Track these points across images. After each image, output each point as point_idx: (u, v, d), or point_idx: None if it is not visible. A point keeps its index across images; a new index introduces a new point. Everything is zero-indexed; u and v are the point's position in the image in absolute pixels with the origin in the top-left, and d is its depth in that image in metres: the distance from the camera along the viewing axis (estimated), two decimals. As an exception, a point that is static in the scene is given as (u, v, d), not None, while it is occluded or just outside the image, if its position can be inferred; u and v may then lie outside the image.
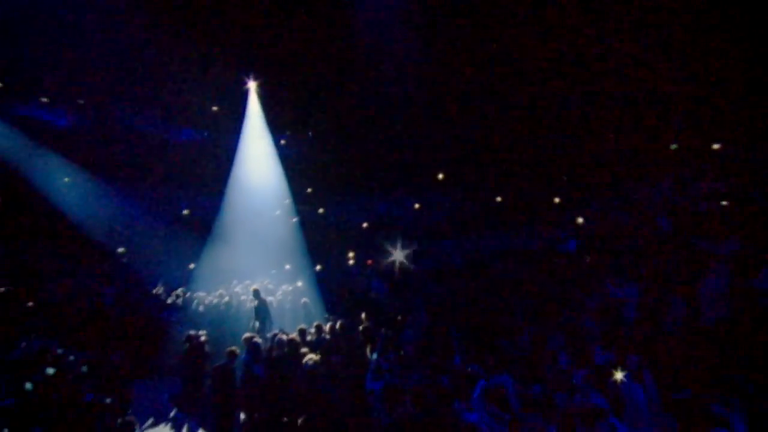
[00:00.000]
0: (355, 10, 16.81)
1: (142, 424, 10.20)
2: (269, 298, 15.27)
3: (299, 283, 16.75)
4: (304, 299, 15.51)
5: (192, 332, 11.14)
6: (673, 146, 15.54)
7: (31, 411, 7.34)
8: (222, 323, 14.47)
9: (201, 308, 15.12)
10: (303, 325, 12.22)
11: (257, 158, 21.04)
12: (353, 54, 17.88)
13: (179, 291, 16.17)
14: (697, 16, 13.69)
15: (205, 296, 15.71)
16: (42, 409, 7.54)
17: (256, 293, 13.79)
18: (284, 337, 11.19)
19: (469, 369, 10.00)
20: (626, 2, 14.44)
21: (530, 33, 15.93)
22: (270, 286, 16.61)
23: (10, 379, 8.07)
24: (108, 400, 7.74)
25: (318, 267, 18.75)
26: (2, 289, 12.23)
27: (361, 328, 11.61)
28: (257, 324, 13.30)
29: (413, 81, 18.35)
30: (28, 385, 7.73)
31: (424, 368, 10.64)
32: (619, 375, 7.83)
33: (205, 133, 22.42)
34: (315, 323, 12.40)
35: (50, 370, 8.68)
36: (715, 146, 14.53)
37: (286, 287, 16.49)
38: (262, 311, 13.46)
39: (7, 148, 16.95)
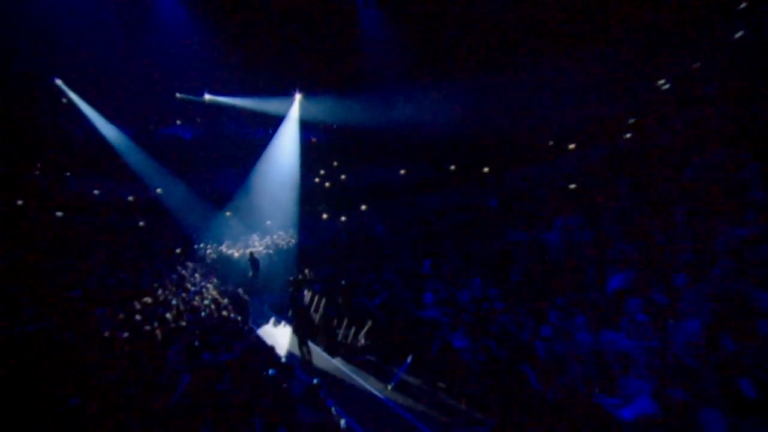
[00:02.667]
0: (363, 50, 17.55)
1: (256, 324, 11.12)
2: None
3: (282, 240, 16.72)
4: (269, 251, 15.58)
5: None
6: (550, 143, 16.04)
7: (204, 328, 8.67)
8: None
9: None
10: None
11: (288, 146, 20.73)
12: (362, 76, 18.50)
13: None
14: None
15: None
16: (209, 324, 9.04)
17: (251, 254, 13.77)
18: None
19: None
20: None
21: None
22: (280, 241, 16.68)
23: (190, 309, 9.42)
24: (239, 318, 9.18)
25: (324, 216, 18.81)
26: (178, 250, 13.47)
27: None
28: (251, 272, 13.51)
29: (400, 92, 18.88)
30: (203, 314, 9.27)
31: (404, 288, 11.10)
32: None
33: (270, 130, 22.98)
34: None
35: (206, 302, 10.00)
36: (571, 146, 15.14)
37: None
38: (254, 265, 13.67)
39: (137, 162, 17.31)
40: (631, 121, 13.67)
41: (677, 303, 6.65)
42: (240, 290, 11.24)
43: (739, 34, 11.53)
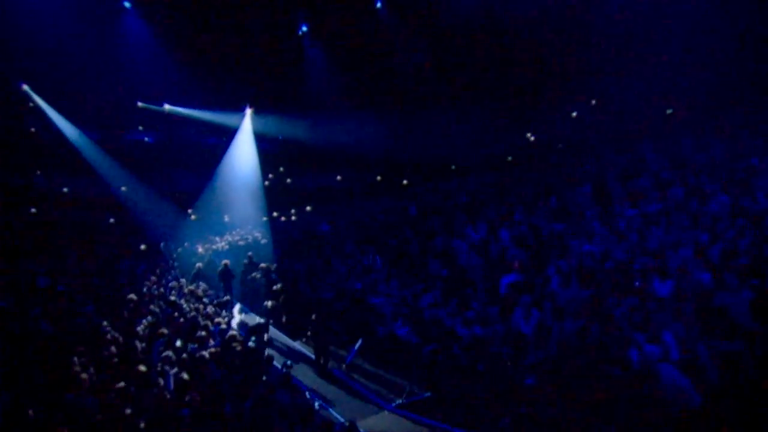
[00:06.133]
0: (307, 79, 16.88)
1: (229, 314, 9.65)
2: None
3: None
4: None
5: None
6: (453, 167, 16.94)
7: (185, 322, 7.80)
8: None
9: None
10: None
11: (246, 153, 18.52)
12: (306, 99, 17.89)
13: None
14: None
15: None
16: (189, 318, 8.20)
17: (225, 265, 11.23)
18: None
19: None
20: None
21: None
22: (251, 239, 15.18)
23: (170, 304, 8.42)
24: (215, 309, 8.43)
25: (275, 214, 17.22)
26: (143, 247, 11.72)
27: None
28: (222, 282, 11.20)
29: (338, 116, 18.45)
30: (184, 307, 8.31)
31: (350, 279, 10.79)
32: None
33: (224, 138, 21.08)
34: None
35: (186, 297, 9.18)
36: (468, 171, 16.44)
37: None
38: (227, 275, 11.22)
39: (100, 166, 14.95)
40: (509, 158, 15.57)
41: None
42: (203, 285, 10.15)
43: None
